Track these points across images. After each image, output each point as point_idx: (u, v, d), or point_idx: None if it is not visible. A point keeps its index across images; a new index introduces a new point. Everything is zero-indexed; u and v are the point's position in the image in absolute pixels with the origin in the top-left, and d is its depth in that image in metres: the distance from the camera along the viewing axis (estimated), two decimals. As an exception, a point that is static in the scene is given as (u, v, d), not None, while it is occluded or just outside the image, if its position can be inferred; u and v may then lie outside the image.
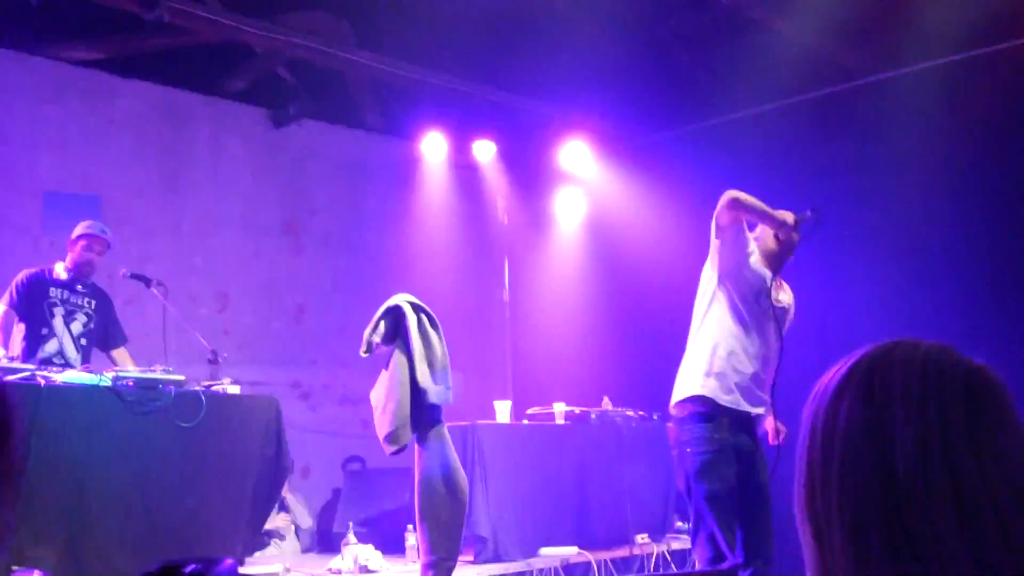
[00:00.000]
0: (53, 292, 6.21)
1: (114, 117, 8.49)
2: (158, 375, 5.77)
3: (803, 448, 1.29)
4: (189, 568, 1.05)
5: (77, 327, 6.28)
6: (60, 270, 6.27)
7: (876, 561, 1.18)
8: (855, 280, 8.28)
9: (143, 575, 1.02)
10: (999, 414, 1.22)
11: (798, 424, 1.34)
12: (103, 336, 6.45)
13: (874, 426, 1.22)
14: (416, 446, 5.60)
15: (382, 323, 5.59)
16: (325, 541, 7.93)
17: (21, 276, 6.21)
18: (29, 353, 5.91)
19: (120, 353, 6.50)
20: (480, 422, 7.22)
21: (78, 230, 6.33)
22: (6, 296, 6.17)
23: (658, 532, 7.74)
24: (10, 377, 5.12)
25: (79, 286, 6.31)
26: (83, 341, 6.30)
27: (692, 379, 4.64)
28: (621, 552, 7.19)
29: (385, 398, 5.48)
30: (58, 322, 6.19)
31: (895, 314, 7.75)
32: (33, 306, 6.14)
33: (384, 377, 5.57)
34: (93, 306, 6.36)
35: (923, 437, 1.19)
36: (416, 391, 5.46)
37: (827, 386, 1.30)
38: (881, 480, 1.20)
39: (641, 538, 7.41)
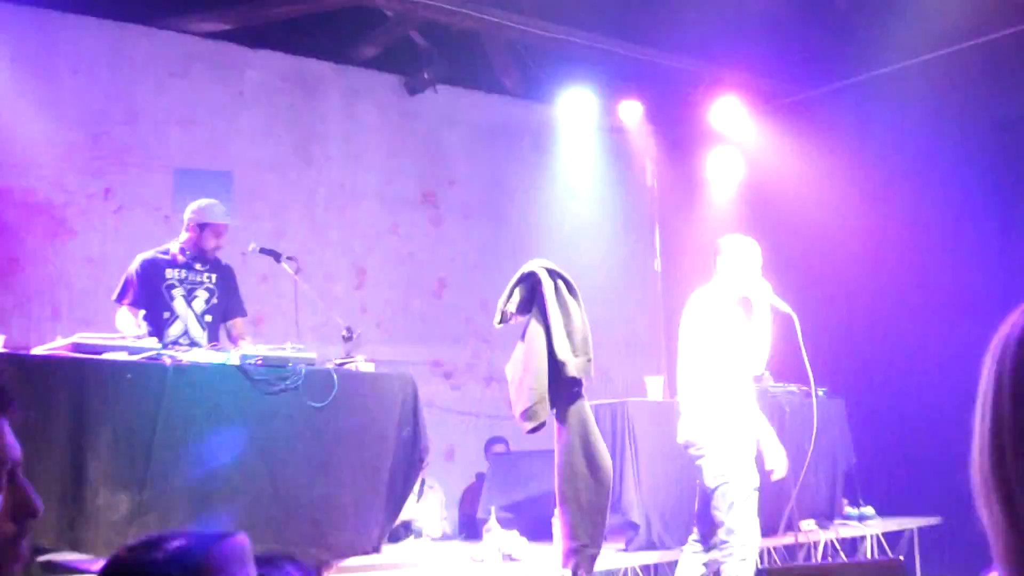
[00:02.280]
0: (170, 273, 6.12)
1: (243, 89, 8.54)
2: (288, 353, 5.67)
3: (988, 405, 1.14)
4: (173, 544, 0.86)
5: (199, 304, 6.21)
6: (177, 250, 6.18)
7: None
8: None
9: (121, 551, 0.86)
10: None
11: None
12: (225, 308, 6.38)
13: None
14: (555, 424, 5.38)
15: (516, 291, 5.38)
16: (469, 528, 7.80)
17: (135, 266, 6.09)
18: None
19: (234, 324, 6.40)
20: (631, 399, 7.07)
21: (202, 215, 6.16)
22: (122, 291, 6.06)
23: (825, 518, 7.48)
24: (136, 356, 5.09)
25: (198, 265, 6.25)
26: (208, 319, 6.23)
27: None
28: (785, 539, 6.90)
29: (521, 372, 5.27)
30: (179, 304, 6.13)
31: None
32: (152, 292, 6.07)
33: (520, 349, 5.37)
34: (214, 280, 6.29)
35: None
36: (554, 364, 5.24)
37: (1013, 334, 1.15)
38: None
39: (806, 524, 7.17)
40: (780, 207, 9.28)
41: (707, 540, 5.70)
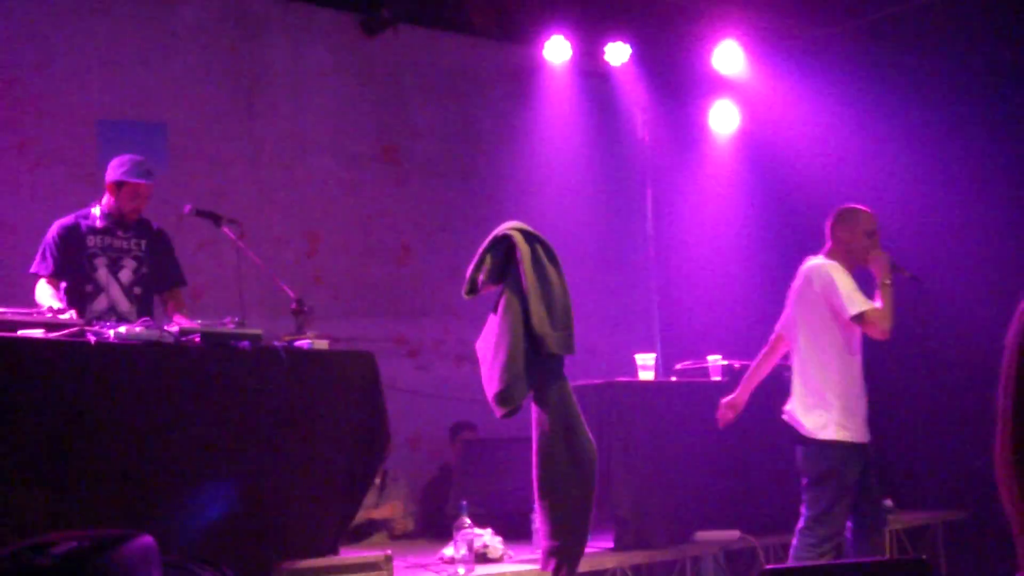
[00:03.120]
0: (92, 241, 6.11)
1: (176, 28, 8.45)
2: (229, 329, 5.65)
3: (1011, 381, 1.17)
4: (62, 547, 0.84)
5: (126, 275, 6.18)
6: (98, 214, 6.16)
7: None
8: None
9: (2, 554, 0.83)
10: None
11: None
12: (158, 278, 6.36)
13: None
14: (533, 407, 5.39)
15: (488, 257, 5.38)
16: (436, 525, 7.82)
17: (52, 232, 6.10)
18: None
19: (172, 294, 6.40)
20: (619, 380, 7.11)
21: (117, 173, 6.13)
22: (40, 261, 6.07)
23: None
24: (55, 334, 5.05)
25: (120, 231, 6.21)
26: (136, 291, 6.20)
27: None
28: (792, 537, 6.90)
29: (494, 349, 5.28)
30: (102, 274, 6.11)
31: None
32: (73, 262, 6.05)
33: (492, 323, 5.36)
34: (143, 247, 6.26)
35: None
36: (532, 339, 5.24)
37: None
38: None
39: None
40: (786, 161, 9.29)
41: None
